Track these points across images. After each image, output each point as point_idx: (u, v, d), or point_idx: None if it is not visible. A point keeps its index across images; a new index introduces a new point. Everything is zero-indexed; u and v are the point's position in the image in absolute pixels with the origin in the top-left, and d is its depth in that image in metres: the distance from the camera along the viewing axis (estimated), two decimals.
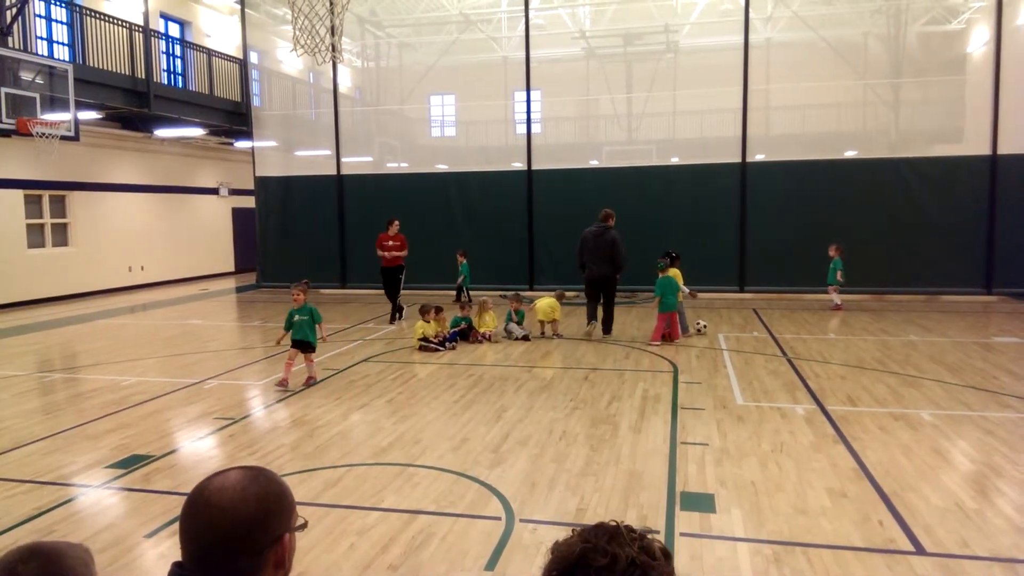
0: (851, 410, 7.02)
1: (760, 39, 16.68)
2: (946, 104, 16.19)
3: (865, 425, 6.52)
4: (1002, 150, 14.50)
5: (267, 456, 6.00)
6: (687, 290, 11.12)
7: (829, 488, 5.09)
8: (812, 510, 4.72)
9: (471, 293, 14.75)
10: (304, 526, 1.44)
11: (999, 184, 14.50)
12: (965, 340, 10.53)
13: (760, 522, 4.57)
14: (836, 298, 13.63)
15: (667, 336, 10.65)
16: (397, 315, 12.76)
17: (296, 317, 8.33)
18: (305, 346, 8.34)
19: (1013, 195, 14.37)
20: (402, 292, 12.91)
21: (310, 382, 8.37)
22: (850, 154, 16.18)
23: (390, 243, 12.61)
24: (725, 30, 16.81)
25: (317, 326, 8.43)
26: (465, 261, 15.18)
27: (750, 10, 15.57)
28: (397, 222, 12.71)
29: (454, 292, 15.01)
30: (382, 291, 13.21)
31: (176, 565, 1.36)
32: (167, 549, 4.33)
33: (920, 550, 4.16)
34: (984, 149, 14.65)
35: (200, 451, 6.32)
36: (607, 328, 11.19)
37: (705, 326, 11.28)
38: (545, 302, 11.27)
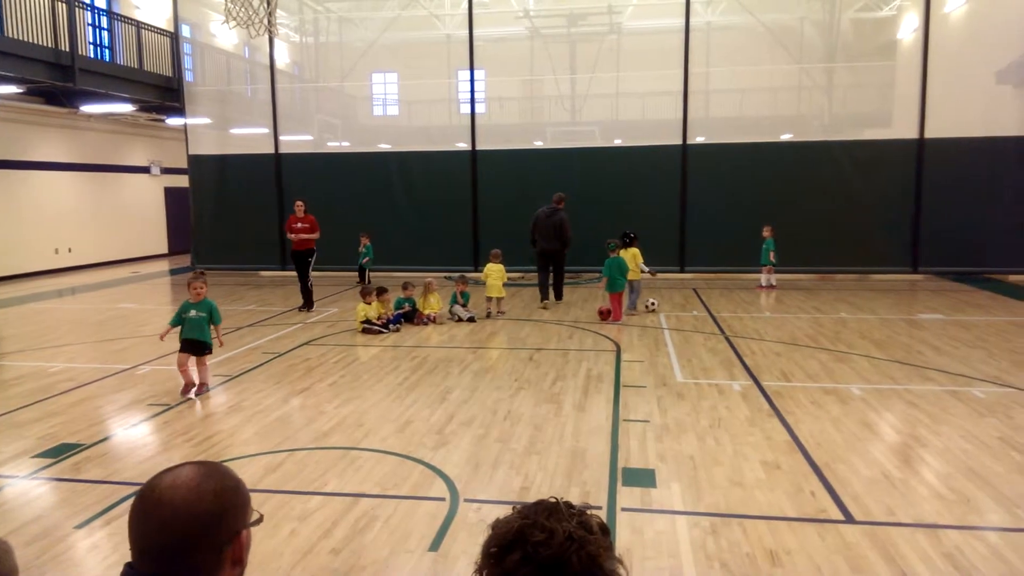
0: (785, 385, 7.26)
1: (701, 22, 16.87)
2: (877, 89, 16.71)
3: (798, 400, 6.75)
4: (928, 134, 15.08)
5: (204, 443, 5.85)
6: (647, 269, 11.47)
7: (764, 461, 5.25)
8: (747, 482, 4.87)
9: (370, 275, 15.03)
10: (260, 520, 1.39)
11: (925, 167, 15.10)
12: (892, 317, 10.98)
13: (698, 495, 4.69)
14: (772, 279, 13.97)
15: (605, 315, 10.83)
16: (306, 304, 11.99)
17: (193, 312, 7.17)
18: (199, 347, 7.19)
19: (938, 178, 14.98)
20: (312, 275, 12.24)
21: (201, 390, 7.18)
22: (786, 137, 16.58)
23: (299, 225, 11.84)
24: (667, 12, 16.92)
25: (214, 327, 7.30)
26: (369, 243, 15.16)
27: None
28: (302, 203, 11.98)
29: (358, 274, 15.14)
30: (322, 273, 12.91)
31: (128, 567, 1.30)
32: (99, 540, 4.18)
33: (849, 519, 4.34)
34: (912, 133, 15.20)
35: (133, 438, 6.11)
36: (559, 294, 12.48)
37: (655, 303, 11.53)
38: (495, 270, 11.17)
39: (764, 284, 13.94)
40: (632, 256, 11.24)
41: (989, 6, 15.13)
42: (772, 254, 13.78)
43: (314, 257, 11.96)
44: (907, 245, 15.33)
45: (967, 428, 5.91)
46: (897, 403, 6.66)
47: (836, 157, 15.38)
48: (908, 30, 16.28)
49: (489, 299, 11.30)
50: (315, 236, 11.90)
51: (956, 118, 14.80)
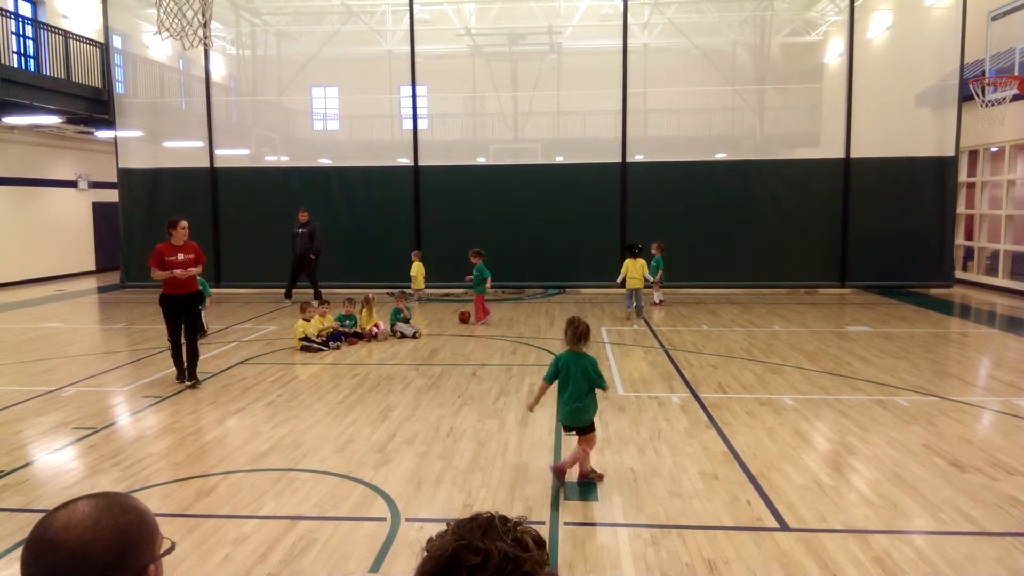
0: (721, 397, 7.42)
1: (638, 44, 17.29)
2: (805, 110, 17.40)
3: (734, 410, 6.91)
4: (854, 154, 15.75)
5: (133, 467, 5.62)
6: (651, 278, 12.76)
7: (702, 471, 5.35)
8: (686, 493, 4.95)
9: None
10: (171, 550, 1.31)
11: (852, 185, 15.75)
12: (822, 329, 11.37)
13: (639, 507, 4.74)
14: (658, 295, 13.96)
15: (465, 318, 11.94)
16: (187, 375, 8.09)
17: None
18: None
19: (863, 196, 15.65)
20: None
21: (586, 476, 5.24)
22: (720, 156, 17.09)
23: (181, 257, 8.01)
24: (605, 34, 17.29)
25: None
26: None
27: (628, 15, 16.11)
28: (185, 223, 8.22)
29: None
30: (260, 289, 12.36)
31: None
32: (17, 572, 3.95)
33: (784, 526, 4.45)
34: (838, 152, 15.86)
35: (57, 464, 5.82)
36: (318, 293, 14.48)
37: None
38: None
39: (654, 300, 13.99)
40: (640, 267, 12.25)
41: (909, 33, 15.99)
42: (660, 272, 13.64)
43: (203, 303, 8.56)
44: (835, 260, 15.92)
45: (893, 436, 6.15)
46: (828, 413, 6.88)
47: (767, 176, 15.91)
48: (834, 55, 17.02)
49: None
50: (199, 271, 8.34)
51: (879, 138, 15.52)
